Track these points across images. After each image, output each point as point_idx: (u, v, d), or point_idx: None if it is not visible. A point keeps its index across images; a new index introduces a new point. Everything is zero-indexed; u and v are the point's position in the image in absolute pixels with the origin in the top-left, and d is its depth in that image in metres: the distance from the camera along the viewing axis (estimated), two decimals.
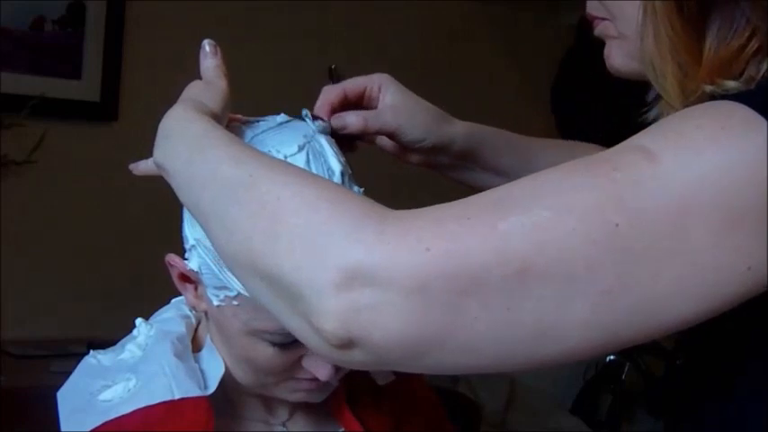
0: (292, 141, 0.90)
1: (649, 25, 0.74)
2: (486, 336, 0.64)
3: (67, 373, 1.02)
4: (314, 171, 0.88)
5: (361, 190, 0.92)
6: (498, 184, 1.04)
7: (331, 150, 0.92)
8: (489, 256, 0.63)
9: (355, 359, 0.66)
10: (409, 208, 0.67)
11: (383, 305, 0.63)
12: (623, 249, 0.63)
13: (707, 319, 0.66)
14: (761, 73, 0.72)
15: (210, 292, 0.92)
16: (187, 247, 0.93)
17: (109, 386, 0.96)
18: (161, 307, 1.07)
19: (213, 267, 0.89)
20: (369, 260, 0.63)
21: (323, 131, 0.95)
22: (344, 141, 1.00)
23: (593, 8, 0.84)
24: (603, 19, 0.83)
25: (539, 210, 0.64)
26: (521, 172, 1.01)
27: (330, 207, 0.67)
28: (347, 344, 0.65)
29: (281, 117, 0.95)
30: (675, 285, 0.63)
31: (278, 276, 0.67)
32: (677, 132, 0.66)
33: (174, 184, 0.82)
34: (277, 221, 0.68)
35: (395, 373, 1.08)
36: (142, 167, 0.97)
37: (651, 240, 0.63)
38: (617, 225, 0.63)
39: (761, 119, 0.64)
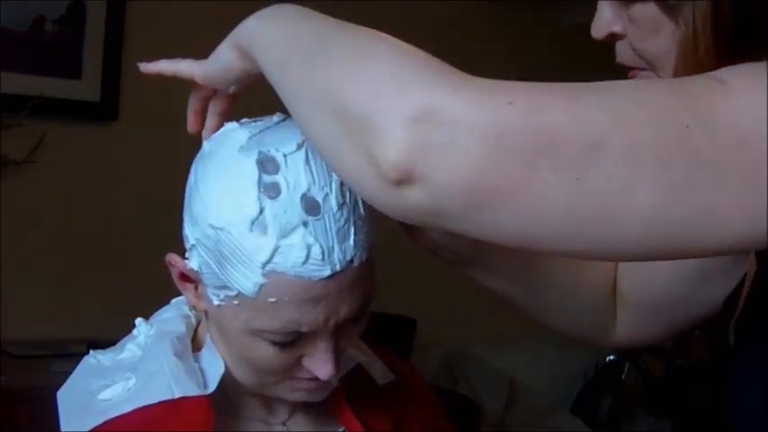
0: (291, 139, 0.90)
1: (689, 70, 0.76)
2: (550, 203, 0.65)
3: (67, 373, 1.02)
4: (313, 168, 0.87)
5: None
6: (498, 287, 1.02)
7: None
8: (568, 123, 0.65)
9: (410, 200, 0.66)
10: None
11: (456, 146, 0.64)
12: (692, 150, 0.65)
13: (753, 246, 0.68)
14: None
15: (211, 292, 0.92)
16: (187, 246, 0.93)
17: (109, 386, 0.96)
18: (161, 307, 1.07)
19: (213, 267, 0.89)
20: (452, 101, 0.65)
21: None
22: None
23: (627, 60, 0.84)
24: (643, 69, 0.84)
25: (617, 98, 0.67)
26: (522, 276, 1.00)
27: (425, 57, 0.71)
28: (407, 179, 0.65)
29: (278, 116, 0.95)
30: (737, 197, 0.65)
31: (352, 105, 0.68)
32: (744, 69, 0.69)
33: (259, 35, 0.82)
34: (370, 57, 0.71)
35: (394, 372, 1.08)
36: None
37: (718, 149, 0.65)
38: (687, 126, 0.65)
39: None
